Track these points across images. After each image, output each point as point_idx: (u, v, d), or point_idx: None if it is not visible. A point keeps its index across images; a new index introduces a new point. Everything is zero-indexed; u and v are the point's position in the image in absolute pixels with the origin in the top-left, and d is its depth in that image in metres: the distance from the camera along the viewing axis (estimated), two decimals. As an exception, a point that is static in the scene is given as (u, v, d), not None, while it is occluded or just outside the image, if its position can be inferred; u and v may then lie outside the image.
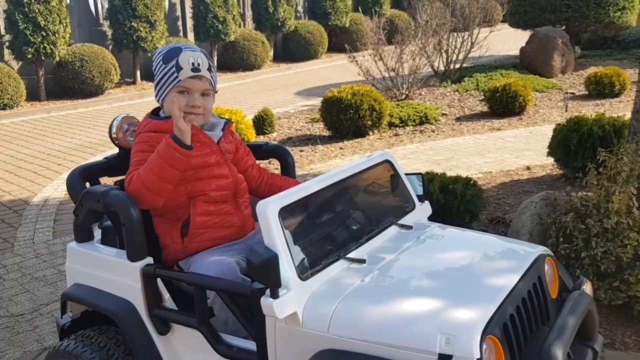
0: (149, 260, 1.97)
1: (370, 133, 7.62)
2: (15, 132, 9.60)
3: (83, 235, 2.16)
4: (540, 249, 1.92)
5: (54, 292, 3.83)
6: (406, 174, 2.27)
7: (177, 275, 1.89)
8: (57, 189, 6.26)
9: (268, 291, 1.60)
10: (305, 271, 1.68)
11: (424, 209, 2.26)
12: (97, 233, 2.26)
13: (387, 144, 7.25)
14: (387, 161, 2.19)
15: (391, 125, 7.97)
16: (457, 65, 10.55)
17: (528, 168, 5.60)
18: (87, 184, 2.27)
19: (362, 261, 1.82)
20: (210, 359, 1.87)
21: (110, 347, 2.04)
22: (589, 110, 8.35)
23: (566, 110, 8.39)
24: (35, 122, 10.42)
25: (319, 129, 8.22)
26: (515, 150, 6.44)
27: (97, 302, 2.05)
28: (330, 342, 1.57)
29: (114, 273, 2.03)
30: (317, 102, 10.37)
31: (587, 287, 1.92)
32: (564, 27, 11.73)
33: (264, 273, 1.55)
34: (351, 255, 1.83)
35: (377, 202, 2.14)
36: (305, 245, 1.74)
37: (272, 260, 1.55)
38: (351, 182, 2.02)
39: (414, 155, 6.56)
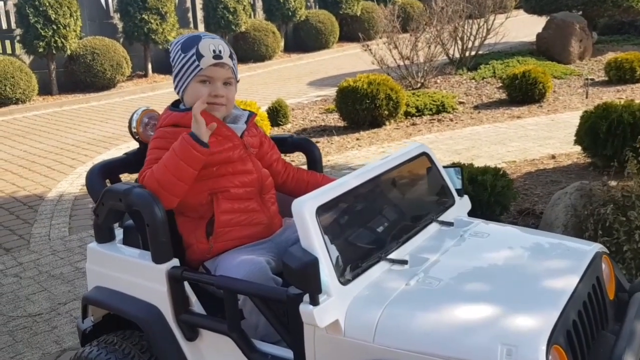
0: (175, 262, 1.85)
1: (387, 123, 7.47)
2: (29, 126, 9.54)
3: (104, 235, 2.05)
4: (596, 247, 1.78)
5: (71, 290, 3.74)
6: (444, 167, 2.13)
7: (205, 278, 1.78)
8: (72, 184, 6.18)
9: (306, 297, 1.48)
10: (345, 275, 1.55)
11: (463, 204, 2.12)
12: (119, 232, 2.15)
13: (404, 133, 7.09)
14: (424, 153, 2.05)
15: (407, 114, 7.81)
16: (473, 53, 10.34)
17: (553, 157, 5.43)
18: (107, 182, 2.16)
19: (404, 262, 1.69)
20: (242, 367, 1.76)
21: (135, 354, 1.93)
22: (610, 96, 8.13)
23: (587, 97, 8.18)
24: (47, 116, 10.36)
25: (334, 119, 8.08)
26: (538, 139, 6.26)
27: (120, 306, 1.94)
28: (376, 353, 1.45)
29: (138, 275, 1.91)
30: (330, 92, 10.22)
31: (648, 288, 1.78)
32: (580, 12, 11.47)
33: (304, 278, 1.43)
34: (392, 256, 1.70)
35: (415, 197, 2.01)
36: (344, 246, 1.62)
37: (312, 265, 1.43)
38: (388, 177, 1.89)
39: (434, 145, 6.39)
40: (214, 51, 2.01)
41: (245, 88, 11.85)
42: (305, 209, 1.54)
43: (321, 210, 1.58)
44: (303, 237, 1.53)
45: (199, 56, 2.00)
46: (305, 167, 2.56)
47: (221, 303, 1.74)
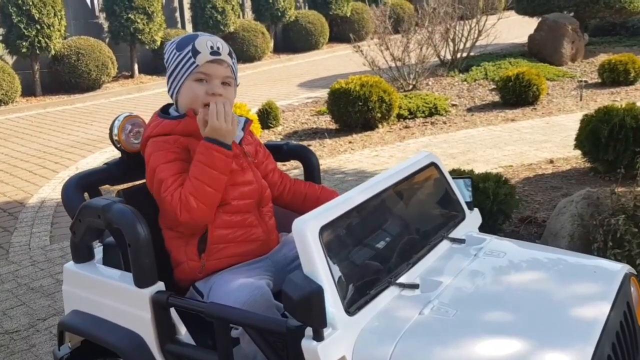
0: (160, 285, 1.67)
1: (380, 126, 7.31)
2: (11, 129, 9.28)
3: (82, 254, 1.86)
4: (625, 268, 1.63)
5: (51, 304, 3.54)
6: (452, 178, 1.97)
7: (195, 305, 1.60)
8: (54, 190, 5.95)
9: (308, 330, 1.31)
10: (353, 304, 1.39)
11: (474, 218, 1.97)
12: (98, 251, 1.96)
13: (398, 137, 6.94)
14: (433, 164, 1.89)
15: (400, 117, 7.66)
16: (465, 54, 10.23)
17: (551, 161, 5.30)
18: (86, 195, 1.97)
19: (415, 286, 1.53)
20: (235, 403, 1.58)
21: (116, 387, 1.75)
22: (605, 99, 8.05)
23: (581, 99, 8.09)
24: (31, 118, 10.10)
25: (326, 122, 7.91)
26: (534, 142, 6.14)
27: (99, 334, 1.75)
28: (389, 394, 1.28)
29: (119, 300, 1.73)
30: (321, 94, 10.06)
31: (679, 313, 1.63)
32: (572, 13, 11.40)
33: (307, 310, 1.26)
34: (402, 279, 1.53)
35: (424, 212, 1.85)
36: (350, 270, 1.45)
37: (316, 295, 1.25)
38: (394, 190, 1.73)
39: (428, 149, 6.25)
40: (211, 47, 1.85)
41: (234, 89, 11.66)
42: (308, 230, 1.37)
43: (325, 230, 1.41)
44: (305, 262, 1.36)
45: (195, 52, 1.83)
46: (302, 175, 2.39)
47: (213, 327, 1.57)
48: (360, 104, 7.03)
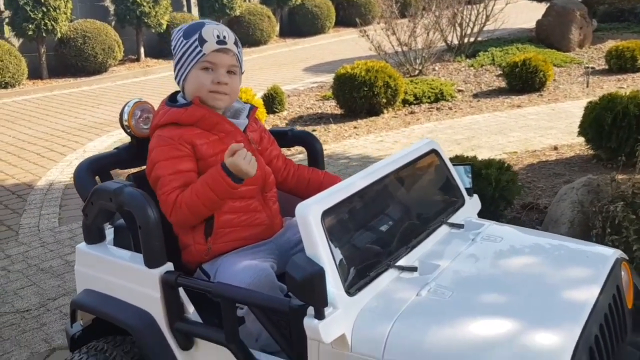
0: (169, 266, 1.74)
1: (385, 111, 7.34)
2: (18, 111, 9.35)
3: (93, 236, 1.93)
4: (616, 253, 1.68)
5: (61, 285, 3.63)
6: (453, 164, 2.02)
7: (202, 285, 1.66)
8: (62, 172, 6.04)
9: (310, 309, 1.37)
10: (353, 285, 1.45)
11: (473, 204, 2.02)
12: (109, 232, 2.03)
13: (403, 122, 6.97)
14: (434, 150, 1.94)
15: (405, 102, 7.68)
16: (472, 39, 10.20)
17: (555, 148, 5.33)
18: (97, 178, 2.03)
19: (413, 269, 1.59)
20: (240, 378, 1.65)
21: (127, 363, 1.83)
22: (611, 85, 8.03)
23: (587, 86, 8.07)
24: (37, 101, 10.17)
25: (331, 107, 7.94)
26: (539, 129, 6.16)
27: (111, 312, 1.83)
28: (386, 370, 1.34)
29: (130, 280, 1.80)
30: (326, 78, 10.07)
31: (669, 296, 1.69)
32: (580, -1, 11.34)
33: (309, 290, 1.32)
34: (401, 262, 1.59)
35: (424, 197, 1.90)
36: (351, 253, 1.51)
37: (317, 276, 1.32)
38: (396, 176, 1.78)
39: (433, 135, 6.28)
40: (217, 36, 1.90)
41: (240, 73, 11.68)
42: (310, 214, 1.42)
43: (327, 214, 1.47)
44: (308, 244, 1.42)
45: (202, 41, 1.88)
46: (305, 161, 2.45)
47: (219, 307, 1.64)
48: (365, 89, 7.05)
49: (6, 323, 3.22)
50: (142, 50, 12.77)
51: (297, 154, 5.55)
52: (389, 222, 1.70)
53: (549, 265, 1.61)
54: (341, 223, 1.53)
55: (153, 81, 11.50)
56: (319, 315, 1.35)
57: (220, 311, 1.61)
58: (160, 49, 12.95)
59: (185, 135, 1.89)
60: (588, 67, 8.74)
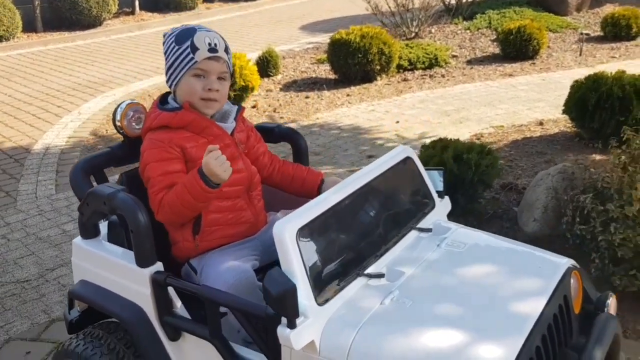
0: (159, 266, 1.89)
1: (379, 78, 7.40)
2: (13, 67, 9.35)
3: (89, 232, 2.08)
4: (567, 263, 1.84)
5: (59, 255, 3.80)
6: (426, 169, 2.15)
7: (189, 287, 1.82)
8: (57, 135, 6.14)
9: (283, 319, 1.53)
10: (323, 296, 1.61)
11: (443, 206, 2.16)
12: (104, 226, 2.17)
13: (395, 90, 7.04)
14: (408, 158, 2.07)
15: (400, 67, 7.72)
16: (470, 0, 10.13)
17: (541, 123, 5.45)
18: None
19: (381, 275, 1.74)
20: (223, 368, 1.84)
21: (120, 349, 2.00)
22: (604, 54, 8.07)
23: (580, 54, 8.11)
24: (32, 55, 10.13)
25: (325, 71, 7.98)
26: (528, 101, 6.25)
27: (105, 304, 1.99)
28: (349, 373, 1.52)
29: (122, 276, 1.96)
30: (322, 38, 10.04)
31: (612, 303, 1.86)
32: (581, -40, 11.16)
33: (282, 304, 1.48)
34: (370, 270, 1.75)
35: (396, 204, 2.04)
36: (323, 265, 1.66)
37: (290, 292, 1.47)
38: (369, 186, 1.91)
39: (424, 105, 6.38)
40: (209, 44, 1.99)
41: (236, 30, 11.60)
42: (286, 233, 1.57)
43: (302, 231, 1.61)
44: (283, 261, 1.57)
45: (194, 49, 1.97)
46: (291, 157, 2.57)
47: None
48: (359, 55, 7.09)
49: (7, 293, 3.40)
50: (136, 2, 12.61)
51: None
52: (361, 232, 1.84)
53: (503, 275, 1.77)
54: (315, 238, 1.67)
55: (147, 36, 11.42)
56: (291, 325, 1.51)
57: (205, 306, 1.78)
58: (154, 1, 12.79)
59: (175, 139, 2.01)
60: (582, 34, 8.73)
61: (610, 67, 7.16)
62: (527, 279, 1.74)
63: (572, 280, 1.80)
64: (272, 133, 2.46)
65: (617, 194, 2.81)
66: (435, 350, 1.48)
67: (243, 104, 6.44)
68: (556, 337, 1.65)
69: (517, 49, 7.88)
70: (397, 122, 5.87)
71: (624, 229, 2.71)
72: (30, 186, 4.91)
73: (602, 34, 8.98)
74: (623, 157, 2.93)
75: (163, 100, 2.15)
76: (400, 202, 2.05)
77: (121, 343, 2.02)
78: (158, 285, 1.87)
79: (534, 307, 1.61)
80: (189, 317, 1.90)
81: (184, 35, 2.02)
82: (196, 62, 1.99)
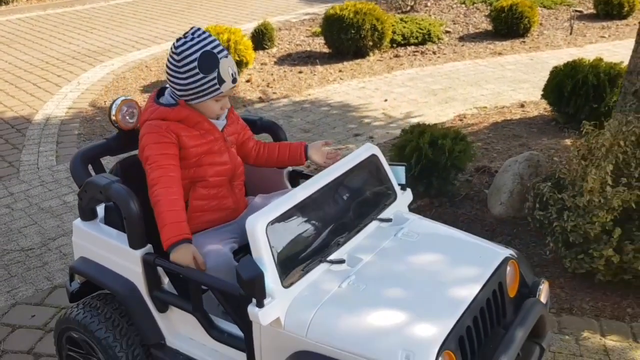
0: (149, 248, 2.16)
1: (371, 54, 7.56)
2: (12, 32, 9.48)
3: (87, 215, 2.34)
4: (505, 252, 2.10)
5: (60, 225, 4.07)
6: (390, 164, 2.39)
7: (175, 268, 2.09)
8: (57, 106, 6.35)
9: (253, 299, 1.80)
10: (289, 279, 1.87)
11: (405, 197, 2.41)
12: (101, 209, 2.43)
13: (387, 67, 7.21)
14: (373, 155, 2.31)
15: (393, 42, 7.87)
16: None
17: (522, 105, 5.66)
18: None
19: (342, 261, 2.01)
20: (204, 337, 2.12)
21: (116, 318, 2.29)
22: (594, 34, 8.21)
23: (571, 33, 8.24)
24: (31, 21, 10.24)
25: (320, 44, 8.12)
26: (514, 82, 6.45)
27: (102, 279, 2.27)
28: (307, 345, 1.80)
29: (116, 255, 2.23)
30: (319, 9, 10.14)
31: (544, 288, 2.13)
32: None
33: (251, 287, 1.75)
34: (332, 256, 2.01)
35: (360, 197, 2.28)
36: (290, 253, 1.92)
37: (258, 278, 1.74)
38: (337, 181, 2.16)
39: (413, 83, 6.57)
40: (232, 75, 2.19)
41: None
42: (257, 227, 1.82)
43: (271, 224, 1.87)
44: (254, 250, 1.83)
45: (221, 81, 2.16)
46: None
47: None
48: (352, 31, 7.24)
49: (13, 260, 3.69)
50: (135, -32, 12.56)
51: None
52: (326, 223, 2.10)
53: (447, 263, 2.03)
54: (283, 229, 1.93)
55: (147, 3, 11.48)
56: (259, 305, 1.78)
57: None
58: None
59: (171, 126, 2.21)
60: (574, 12, 8.84)
61: (598, 48, 7.37)
62: (467, 267, 2.01)
63: (508, 269, 2.07)
64: (254, 125, 2.70)
65: (571, 185, 3.07)
66: (379, 328, 1.76)
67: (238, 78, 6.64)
68: (488, 318, 1.92)
69: (508, 26, 8.02)
70: (386, 100, 6.07)
71: (575, 217, 2.97)
72: (32, 157, 5.16)
73: (594, 11, 9.09)
74: (581, 150, 3.17)
75: (159, 94, 2.35)
76: (365, 195, 2.30)
77: (116, 313, 2.31)
78: (148, 265, 2.14)
79: (468, 292, 1.88)
80: (175, 292, 2.18)
81: (210, 64, 2.13)
82: (222, 92, 2.20)
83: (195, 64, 2.13)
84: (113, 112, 2.40)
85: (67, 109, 6.22)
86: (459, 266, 2.02)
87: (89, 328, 2.27)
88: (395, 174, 2.41)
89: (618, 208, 2.88)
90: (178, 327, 2.24)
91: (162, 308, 2.21)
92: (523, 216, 3.49)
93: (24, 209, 4.31)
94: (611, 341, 2.75)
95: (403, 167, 2.43)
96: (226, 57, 2.19)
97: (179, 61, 2.16)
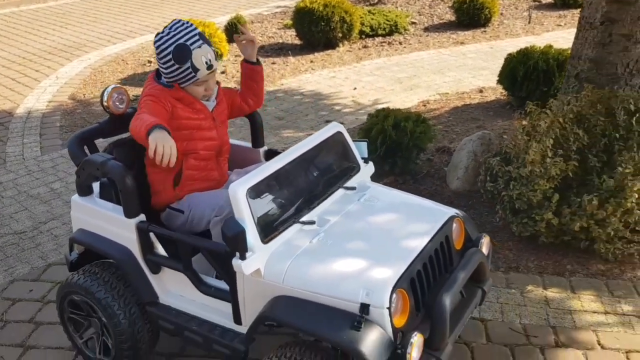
0: (142, 217, 2.45)
1: (341, 45, 7.88)
2: (-14, 30, 9.55)
3: (84, 191, 2.62)
4: (451, 212, 2.45)
5: (49, 210, 4.32)
6: (354, 140, 2.72)
7: (167, 233, 2.39)
8: (38, 100, 6.54)
9: (237, 253, 2.12)
10: (267, 236, 2.19)
11: (368, 169, 2.74)
12: (96, 186, 2.72)
13: (356, 57, 7.54)
14: (339, 132, 2.64)
15: (362, 33, 8.21)
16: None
17: (481, 91, 6.05)
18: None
19: (312, 222, 2.33)
20: (194, 293, 2.44)
21: (113, 282, 2.58)
22: (551, 22, 8.65)
23: (529, 22, 8.67)
24: (6, 17, 10.32)
25: (291, 36, 8.41)
26: (474, 69, 6.83)
27: (100, 246, 2.56)
28: (284, 291, 2.12)
29: (113, 225, 2.52)
30: (290, 2, 10.42)
31: (485, 242, 2.48)
32: None
33: (235, 243, 2.06)
34: (304, 219, 2.34)
35: (328, 169, 2.61)
36: (268, 214, 2.24)
37: (240, 234, 2.05)
38: (307, 155, 2.48)
39: (380, 72, 6.91)
40: (206, 63, 2.47)
41: (206, -7, 11.84)
42: (239, 192, 2.14)
43: (251, 190, 2.18)
44: (236, 211, 2.14)
45: (195, 69, 2.46)
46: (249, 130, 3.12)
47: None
48: (322, 24, 7.55)
49: (7, 242, 3.93)
50: (106, -37, 12.65)
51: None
52: (299, 190, 2.42)
53: (402, 221, 2.38)
54: (262, 195, 2.24)
55: (119, -2, 11.61)
56: (242, 257, 2.10)
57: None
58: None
59: (169, 98, 2.51)
60: (533, 3, 9.27)
61: (555, 36, 7.80)
62: (418, 224, 2.35)
63: (454, 225, 2.42)
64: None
65: (515, 158, 3.44)
66: (344, 273, 2.09)
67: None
68: (437, 265, 2.27)
69: (470, 17, 8.42)
70: (355, 88, 6.41)
71: (519, 186, 3.35)
72: (17, 148, 5.37)
73: (552, 1, 9.54)
74: (526, 127, 3.55)
75: (157, 74, 2.64)
76: (332, 167, 2.63)
77: (114, 277, 2.60)
78: (142, 232, 2.43)
79: (418, 243, 2.23)
80: (166, 255, 2.48)
81: (182, 56, 2.43)
82: (198, 79, 2.50)
83: (170, 56, 2.45)
84: (105, 98, 2.69)
85: (48, 103, 6.42)
86: (411, 223, 2.36)
87: (90, 290, 2.56)
88: (359, 149, 2.74)
89: (557, 177, 3.26)
90: (170, 286, 2.55)
91: (155, 270, 2.51)
92: (477, 189, 3.87)
93: (13, 196, 4.54)
94: (552, 293, 3.13)
95: (365, 143, 2.76)
96: (200, 47, 2.47)
97: (158, 54, 2.51)
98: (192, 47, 2.46)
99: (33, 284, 3.48)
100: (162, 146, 2.18)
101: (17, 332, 3.07)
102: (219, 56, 6.99)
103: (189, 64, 2.45)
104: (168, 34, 2.47)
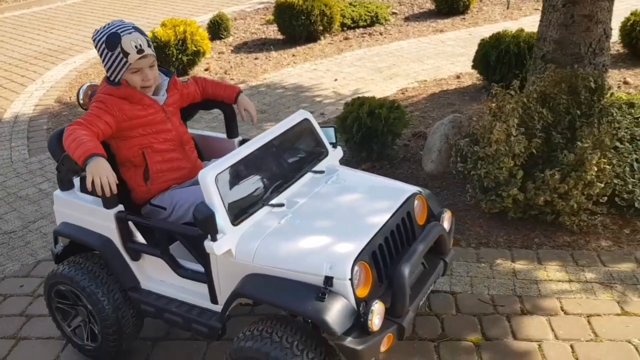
0: (120, 207, 2.58)
1: (322, 38, 8.00)
2: (-28, 37, 9.63)
3: (65, 185, 2.75)
4: (413, 189, 2.59)
5: (38, 210, 4.44)
6: (321, 127, 2.85)
7: (143, 221, 2.52)
8: (24, 104, 6.65)
9: (209, 236, 2.25)
10: (237, 219, 2.32)
11: (336, 154, 2.87)
12: (76, 181, 2.84)
13: (337, 49, 7.67)
14: (306, 119, 2.77)
15: (343, 25, 8.32)
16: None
17: (458, 77, 6.18)
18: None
19: (281, 205, 2.46)
20: (172, 277, 2.57)
21: (96, 270, 2.71)
22: (529, 7, 8.78)
23: (507, 7, 8.80)
24: (-11, 25, 10.38)
25: (274, 31, 8.53)
26: (452, 56, 6.96)
27: (82, 237, 2.69)
28: (255, 269, 2.25)
29: (94, 216, 2.64)
30: (272, -1, 10.50)
31: (447, 216, 2.62)
32: None
33: (205, 226, 2.19)
34: (273, 201, 2.47)
35: (297, 153, 2.74)
36: (237, 198, 2.37)
37: (210, 217, 2.18)
38: (276, 141, 2.61)
39: (361, 63, 7.04)
40: (136, 47, 2.58)
41: (189, -8, 11.92)
42: (208, 178, 2.26)
43: (220, 175, 2.31)
44: (206, 196, 2.27)
45: (125, 53, 2.56)
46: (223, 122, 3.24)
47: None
48: (303, 17, 7.67)
49: (-2, 242, 4.06)
50: (89, -34, 12.72)
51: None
52: (268, 174, 2.55)
53: (366, 200, 2.51)
54: (231, 180, 2.37)
55: (103, 1, 11.69)
56: (213, 239, 2.23)
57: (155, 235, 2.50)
58: (107, -36, 12.91)
59: (116, 101, 2.61)
60: (512, -11, 9.39)
61: (532, 20, 7.93)
62: (381, 202, 2.49)
63: (416, 202, 2.56)
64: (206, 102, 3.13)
65: (481, 138, 3.58)
66: (309, 249, 2.23)
67: (196, 67, 7.02)
68: (399, 240, 2.41)
69: (449, 5, 8.55)
70: (336, 80, 6.53)
71: (487, 165, 3.48)
72: (5, 152, 5.48)
73: (531, -14, 9.66)
74: (492, 109, 3.68)
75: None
76: (301, 152, 2.76)
77: (97, 266, 2.73)
78: (121, 221, 2.56)
79: (380, 218, 2.36)
80: (145, 242, 2.61)
81: (113, 42, 2.56)
82: (130, 64, 2.59)
83: (104, 45, 2.58)
84: (81, 96, 2.81)
85: (35, 106, 6.53)
86: (375, 201, 2.50)
87: (75, 279, 2.69)
88: (326, 134, 2.87)
89: (522, 155, 3.40)
90: (150, 271, 2.68)
91: (135, 257, 2.64)
92: (449, 170, 4.00)
93: (2, 198, 4.67)
94: (519, 265, 3.27)
95: (332, 129, 2.89)
96: (130, 33, 2.57)
97: (96, 47, 2.63)
98: (121, 34, 2.56)
99: (23, 280, 3.61)
100: (99, 178, 2.32)
101: (10, 325, 3.20)
102: (201, 54, 7.09)
103: (119, 49, 2.54)
104: (104, 27, 2.63)
